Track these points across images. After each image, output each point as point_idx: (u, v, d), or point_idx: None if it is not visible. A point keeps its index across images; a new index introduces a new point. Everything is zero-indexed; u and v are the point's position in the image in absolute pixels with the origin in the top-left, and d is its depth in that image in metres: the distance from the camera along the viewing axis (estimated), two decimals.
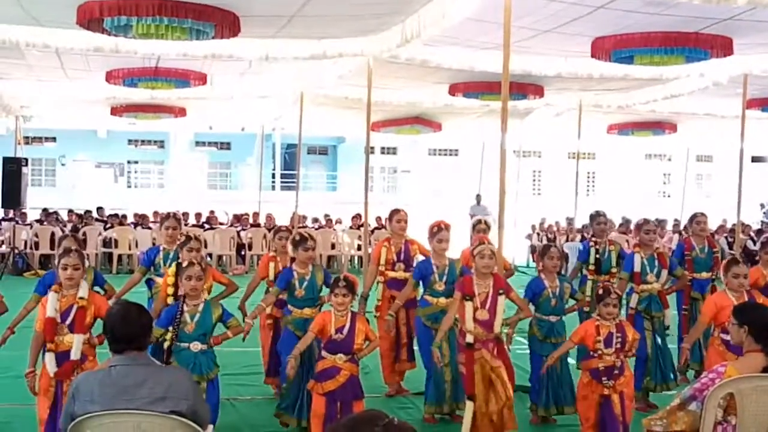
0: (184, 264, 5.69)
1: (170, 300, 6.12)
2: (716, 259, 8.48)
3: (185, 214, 19.74)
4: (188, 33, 8.73)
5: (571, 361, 7.09)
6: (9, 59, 12.17)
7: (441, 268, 7.09)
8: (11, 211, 18.53)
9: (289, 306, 6.84)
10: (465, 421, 6.07)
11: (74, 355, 5.42)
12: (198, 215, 20.78)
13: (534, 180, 41.11)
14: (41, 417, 5.46)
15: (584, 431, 6.15)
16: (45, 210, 20.15)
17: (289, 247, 6.91)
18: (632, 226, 14.07)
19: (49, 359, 5.43)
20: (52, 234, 17.28)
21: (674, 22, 8.81)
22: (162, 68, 12.36)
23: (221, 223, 20.63)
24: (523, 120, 17.60)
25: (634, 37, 9.27)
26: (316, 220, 21.01)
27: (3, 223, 18.81)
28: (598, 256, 8.44)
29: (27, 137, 23.66)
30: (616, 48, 9.49)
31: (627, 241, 15.92)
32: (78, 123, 25.49)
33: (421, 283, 7.26)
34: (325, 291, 6.70)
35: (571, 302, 7.26)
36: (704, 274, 8.48)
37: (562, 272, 7.72)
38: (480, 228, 8.08)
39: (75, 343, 5.43)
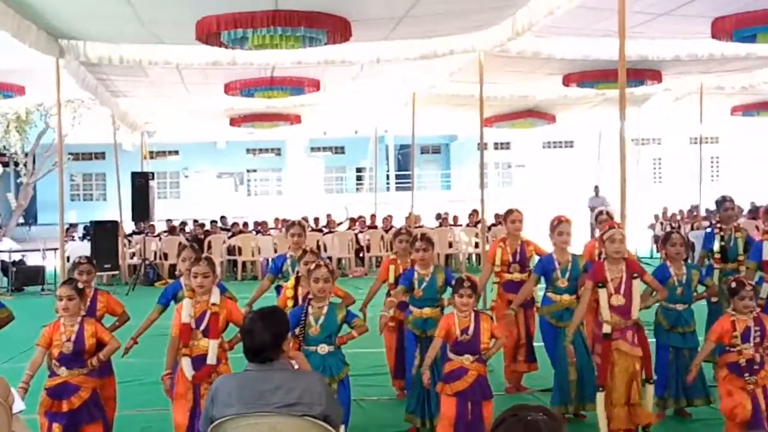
0: (312, 267, 5.78)
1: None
2: None
3: (305, 218, 20.18)
4: (301, 41, 8.91)
5: None
6: (133, 77, 12.73)
7: (563, 264, 6.93)
8: (141, 224, 19.35)
9: (410, 306, 6.88)
10: (598, 412, 5.93)
11: (210, 359, 5.58)
12: (316, 220, 21.14)
13: (654, 168, 39.95)
14: (178, 421, 5.63)
15: (729, 430, 5.75)
16: (169, 221, 20.93)
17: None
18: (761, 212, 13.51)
19: (186, 363, 5.60)
20: (180, 244, 17.85)
21: None
22: (277, 77, 12.66)
23: (340, 223, 21.00)
24: (641, 106, 17.17)
25: (757, 15, 8.89)
26: (439, 216, 20.88)
27: (134, 236, 19.64)
28: (723, 243, 8.07)
29: (151, 152, 24.65)
30: (738, 27, 9.12)
31: (756, 227, 15.26)
32: (198, 135, 26.46)
33: (543, 280, 7.14)
34: (448, 291, 6.66)
35: (702, 289, 7.00)
36: None
37: (688, 260, 7.44)
38: (602, 218, 7.86)
39: (211, 348, 5.58)
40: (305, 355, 5.59)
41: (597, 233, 6.88)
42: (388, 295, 7.45)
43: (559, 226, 6.96)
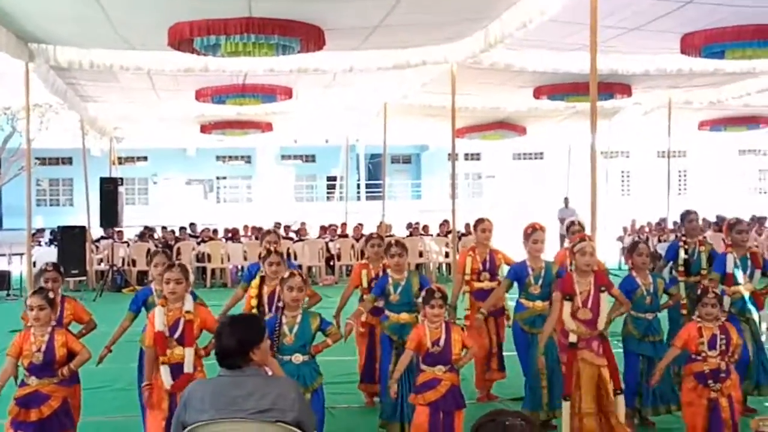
0: (286, 275, 5.76)
1: (254, 312, 6.27)
2: None
3: (278, 225, 20.18)
4: (275, 49, 8.90)
5: None
6: (104, 82, 12.64)
7: (537, 271, 7.00)
8: (109, 230, 19.17)
9: (386, 311, 6.89)
10: (564, 421, 5.97)
11: (187, 368, 5.51)
12: (286, 228, 21.08)
13: (622, 180, 40.39)
14: (152, 430, 5.57)
15: None
16: (147, 228, 20.79)
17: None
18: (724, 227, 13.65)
19: (164, 372, 5.51)
20: (148, 251, 17.74)
21: (766, 13, 8.55)
22: (249, 84, 12.62)
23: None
24: (611, 120, 17.35)
25: (726, 31, 9.03)
26: (410, 226, 20.92)
27: (101, 241, 19.44)
28: (686, 256, 8.18)
29: (120, 157, 24.44)
30: (707, 43, 9.26)
31: (723, 240, 15.46)
32: (168, 142, 26.34)
33: (516, 285, 7.19)
34: None
35: (666, 298, 7.11)
36: None
37: (654, 271, 7.53)
38: (574, 229, 7.93)
39: (187, 356, 5.52)
40: (281, 365, 5.57)
41: (567, 243, 6.94)
42: (362, 299, 7.47)
43: (533, 234, 7.02)
